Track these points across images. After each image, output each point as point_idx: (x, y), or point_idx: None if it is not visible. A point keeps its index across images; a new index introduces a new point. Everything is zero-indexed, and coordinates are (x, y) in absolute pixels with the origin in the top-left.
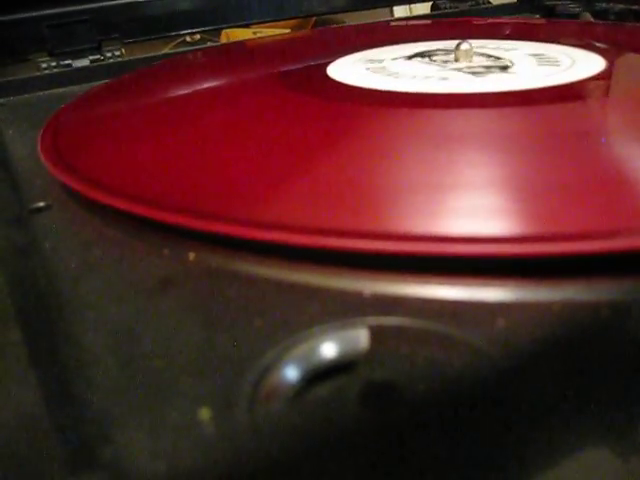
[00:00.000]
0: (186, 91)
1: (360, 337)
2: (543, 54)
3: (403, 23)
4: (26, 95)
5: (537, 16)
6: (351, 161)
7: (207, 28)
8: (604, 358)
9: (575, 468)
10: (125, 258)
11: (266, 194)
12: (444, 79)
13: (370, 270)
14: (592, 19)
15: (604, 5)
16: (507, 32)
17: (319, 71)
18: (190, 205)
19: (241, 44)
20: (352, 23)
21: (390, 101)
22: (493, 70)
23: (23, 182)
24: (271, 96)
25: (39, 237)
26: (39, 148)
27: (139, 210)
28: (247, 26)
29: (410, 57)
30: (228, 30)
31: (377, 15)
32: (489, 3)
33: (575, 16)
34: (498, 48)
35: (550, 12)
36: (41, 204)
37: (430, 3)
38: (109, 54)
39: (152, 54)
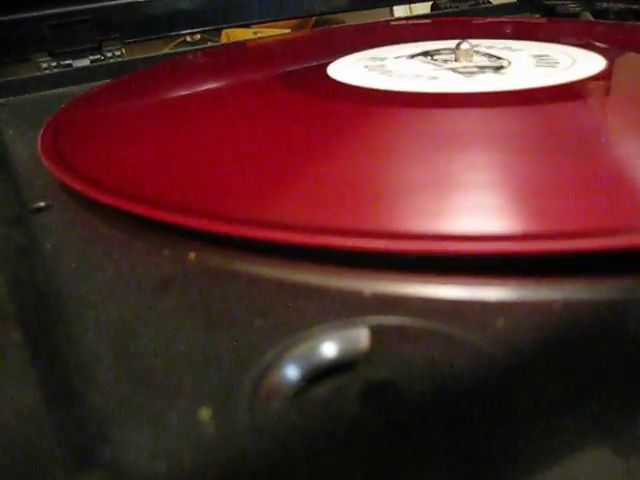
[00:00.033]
0: (186, 91)
1: (360, 337)
2: (544, 54)
3: (411, 22)
4: (26, 95)
5: (537, 16)
6: (334, 159)
7: (207, 28)
8: (604, 357)
9: (575, 468)
10: (125, 258)
11: (266, 194)
12: (433, 78)
13: (370, 270)
14: (592, 19)
15: (604, 5)
16: (513, 31)
17: (319, 70)
18: (190, 205)
19: (241, 44)
20: (352, 23)
21: (369, 99)
22: (486, 70)
23: (23, 182)
24: (271, 96)
25: (39, 237)
26: (39, 148)
27: (139, 210)
28: (247, 26)
29: (413, 56)
30: (228, 30)
31: (377, 15)
32: (489, 3)
33: (575, 16)
34: (502, 48)
35: (550, 12)
36: (41, 204)
37: (430, 3)
38: (109, 54)
39: (152, 54)
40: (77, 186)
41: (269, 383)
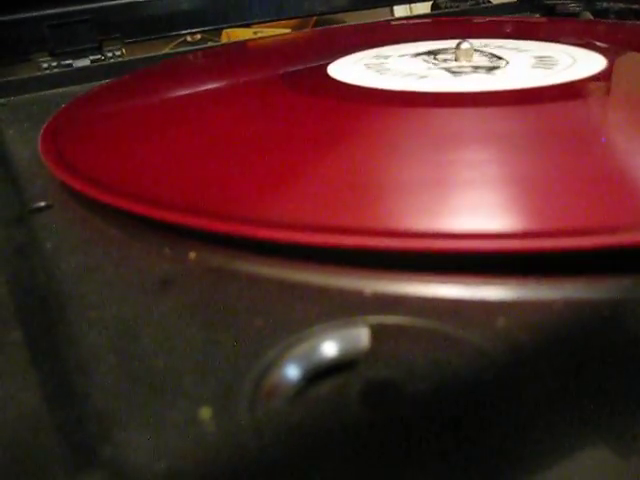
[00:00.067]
0: (187, 91)
1: (361, 336)
2: (545, 54)
3: (418, 22)
4: (27, 95)
5: (537, 15)
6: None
7: (208, 28)
8: (605, 357)
9: (575, 468)
10: (126, 258)
11: (267, 193)
12: (422, 77)
13: (371, 269)
14: (592, 18)
15: (604, 4)
16: (517, 31)
17: (319, 69)
18: (191, 204)
19: (242, 44)
20: (352, 23)
21: (352, 95)
22: (479, 70)
23: (24, 182)
24: (272, 95)
25: (40, 237)
26: (40, 148)
27: (139, 209)
28: (248, 26)
29: (417, 55)
30: (229, 30)
31: (377, 15)
32: (489, 2)
33: (575, 15)
34: (503, 47)
35: (550, 11)
36: (42, 204)
37: (430, 3)
38: (110, 54)
39: (153, 54)
40: (77, 186)
41: (269, 383)
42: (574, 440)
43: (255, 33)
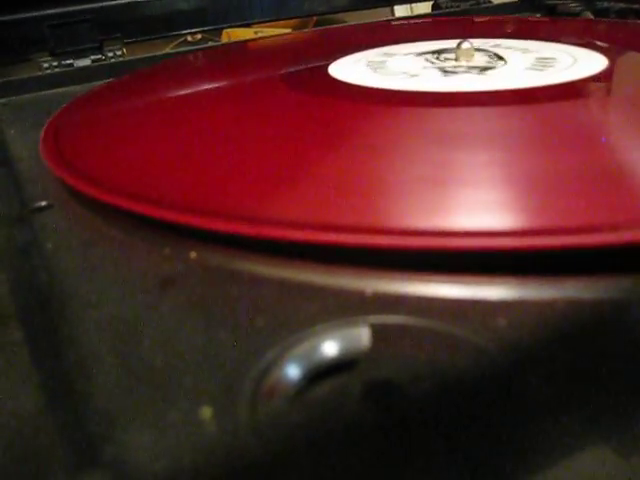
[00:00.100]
0: (187, 91)
1: (361, 336)
2: (547, 56)
3: (422, 21)
4: (28, 95)
5: (538, 15)
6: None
7: (208, 28)
8: (606, 356)
9: (575, 468)
10: (126, 257)
11: (268, 192)
12: (413, 76)
13: (371, 269)
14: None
15: (605, 4)
16: (528, 31)
17: (320, 69)
18: (191, 204)
19: (242, 44)
20: (353, 22)
21: (340, 93)
22: (471, 71)
23: (25, 181)
24: (273, 94)
25: (41, 236)
26: (40, 148)
27: (140, 209)
28: (248, 26)
29: (421, 53)
30: (229, 30)
31: (378, 15)
32: (490, 2)
33: (576, 15)
34: (509, 47)
35: (551, 11)
36: (42, 203)
37: (431, 2)
38: (110, 54)
39: (153, 54)
40: (78, 185)
41: (270, 382)
42: (574, 440)
43: (256, 33)
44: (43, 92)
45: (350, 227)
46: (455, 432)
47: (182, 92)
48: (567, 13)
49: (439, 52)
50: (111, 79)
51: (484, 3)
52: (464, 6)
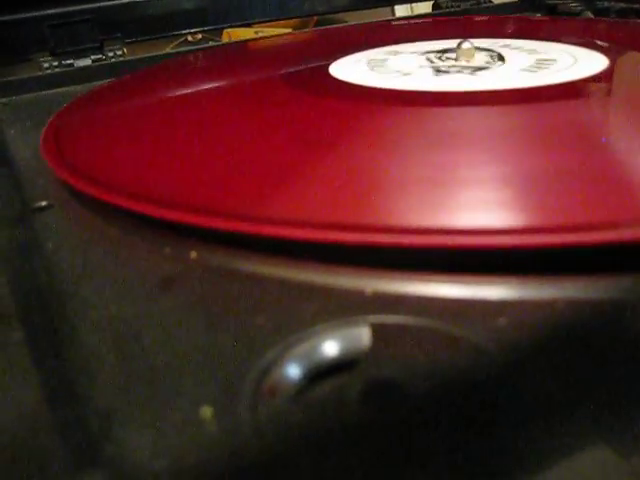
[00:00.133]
0: (188, 91)
1: (362, 335)
2: (549, 57)
3: (427, 21)
4: (28, 95)
5: (538, 15)
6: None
7: (209, 28)
8: (607, 356)
9: (576, 468)
10: (127, 257)
11: (269, 191)
12: (406, 75)
13: (372, 268)
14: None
15: (605, 3)
16: (535, 31)
17: (321, 68)
18: (192, 203)
19: (243, 44)
20: (353, 22)
21: (332, 91)
22: (464, 71)
23: (25, 181)
24: (274, 94)
25: (41, 236)
26: (41, 148)
27: (140, 208)
28: (249, 25)
29: (424, 53)
30: (230, 30)
31: (378, 15)
32: (490, 2)
33: (576, 15)
34: (509, 47)
35: (551, 11)
36: (43, 203)
37: (431, 2)
38: (111, 54)
39: (154, 54)
40: (78, 185)
41: (271, 382)
42: (574, 440)
43: (256, 33)
44: (43, 92)
45: (350, 225)
46: (455, 432)
47: (182, 92)
48: (567, 13)
49: (444, 51)
50: (111, 79)
51: (484, 3)
52: (464, 6)
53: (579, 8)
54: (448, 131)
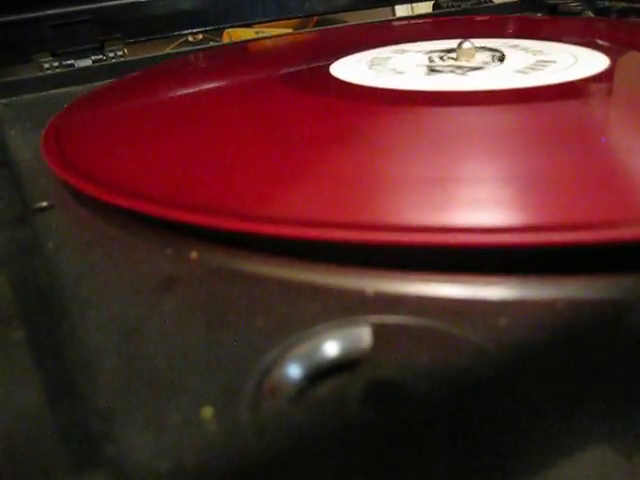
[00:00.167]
0: (189, 91)
1: (362, 335)
2: (549, 59)
3: (430, 21)
4: (29, 95)
5: (539, 14)
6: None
7: (209, 28)
8: (607, 356)
9: (576, 468)
10: (127, 257)
11: (270, 191)
12: (399, 73)
13: (372, 268)
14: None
15: (606, 3)
16: (538, 31)
17: (323, 66)
18: (192, 203)
19: (244, 44)
20: (354, 22)
21: (327, 90)
22: (457, 71)
23: (26, 182)
24: (275, 94)
25: (42, 237)
26: (41, 148)
27: (140, 207)
28: (249, 26)
29: (428, 52)
30: (230, 30)
31: (378, 15)
32: (491, 2)
33: (577, 14)
34: (510, 47)
35: (552, 10)
36: (44, 204)
37: (432, 2)
38: (111, 54)
39: (154, 54)
40: (79, 186)
41: (271, 382)
42: (574, 440)
43: (257, 33)
44: (44, 92)
45: (351, 224)
46: (455, 432)
47: (183, 92)
48: (568, 12)
49: (448, 51)
50: (112, 79)
51: (485, 2)
52: (465, 5)
53: (580, 8)
54: (436, 130)
